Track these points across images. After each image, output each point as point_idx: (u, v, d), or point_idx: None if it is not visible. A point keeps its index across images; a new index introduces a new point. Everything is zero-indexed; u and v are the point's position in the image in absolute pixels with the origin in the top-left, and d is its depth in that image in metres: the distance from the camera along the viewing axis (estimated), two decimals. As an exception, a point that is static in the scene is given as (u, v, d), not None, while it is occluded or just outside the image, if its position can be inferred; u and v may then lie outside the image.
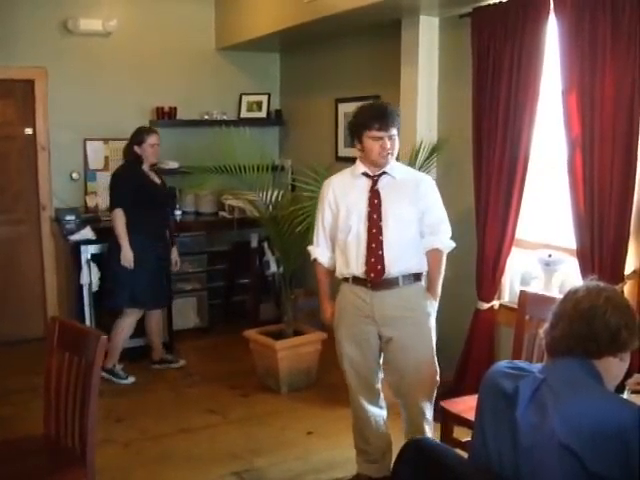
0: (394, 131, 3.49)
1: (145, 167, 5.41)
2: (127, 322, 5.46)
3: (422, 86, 5.01)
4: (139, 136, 5.38)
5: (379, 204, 3.51)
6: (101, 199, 6.44)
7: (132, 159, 5.39)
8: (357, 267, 3.55)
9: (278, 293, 6.14)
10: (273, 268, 6.45)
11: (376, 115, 3.48)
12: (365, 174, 3.58)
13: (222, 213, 6.70)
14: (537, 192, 4.45)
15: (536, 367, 2.21)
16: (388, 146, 3.46)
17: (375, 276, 3.51)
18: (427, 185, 3.64)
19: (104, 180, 6.45)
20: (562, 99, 3.90)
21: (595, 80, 3.68)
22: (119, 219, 5.24)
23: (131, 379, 5.44)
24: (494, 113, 4.36)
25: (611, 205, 3.66)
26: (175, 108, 6.62)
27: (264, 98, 7.04)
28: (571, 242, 4.00)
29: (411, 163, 4.83)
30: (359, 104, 3.70)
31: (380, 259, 3.50)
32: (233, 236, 6.68)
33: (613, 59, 3.59)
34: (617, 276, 3.65)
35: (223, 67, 6.92)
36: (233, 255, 6.81)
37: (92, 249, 5.67)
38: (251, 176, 5.31)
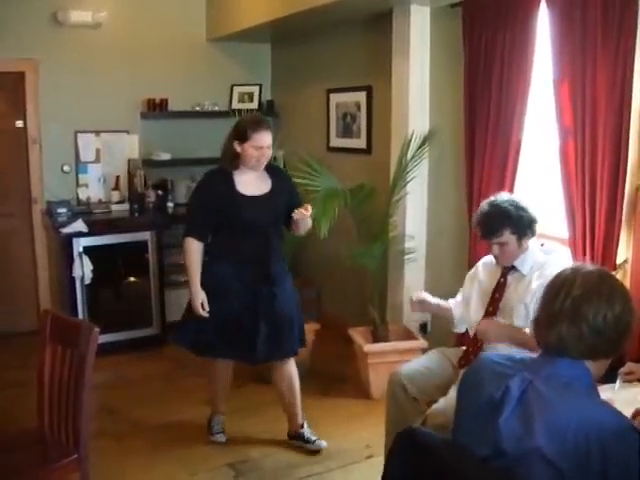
0: None
1: (245, 172, 4.01)
2: (211, 371, 4.41)
3: (414, 76, 5.00)
4: (242, 129, 3.94)
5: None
6: (92, 192, 6.43)
7: (227, 161, 4.01)
8: None
9: (271, 284, 6.10)
10: (266, 259, 6.42)
11: None
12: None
13: (214, 205, 6.68)
14: (529, 182, 4.45)
15: (526, 358, 2.14)
16: None
17: None
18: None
19: (95, 172, 6.46)
20: (554, 88, 3.90)
21: (587, 69, 3.67)
22: (188, 251, 3.99)
23: (220, 438, 4.42)
24: (486, 103, 4.36)
25: (602, 194, 3.67)
26: (166, 99, 6.58)
27: (255, 89, 7.02)
28: (563, 231, 4.00)
29: (403, 154, 4.84)
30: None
31: None
32: (226, 228, 6.66)
33: (604, 48, 3.58)
34: (609, 265, 3.65)
35: (214, 58, 6.89)
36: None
37: (84, 242, 5.67)
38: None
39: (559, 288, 2.03)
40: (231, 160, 3.97)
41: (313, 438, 4.28)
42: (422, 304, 3.82)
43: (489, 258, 3.74)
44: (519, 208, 3.42)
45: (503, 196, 3.57)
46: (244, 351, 4.03)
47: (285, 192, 4.10)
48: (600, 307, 1.97)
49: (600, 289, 2.00)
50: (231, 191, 3.95)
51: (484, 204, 3.53)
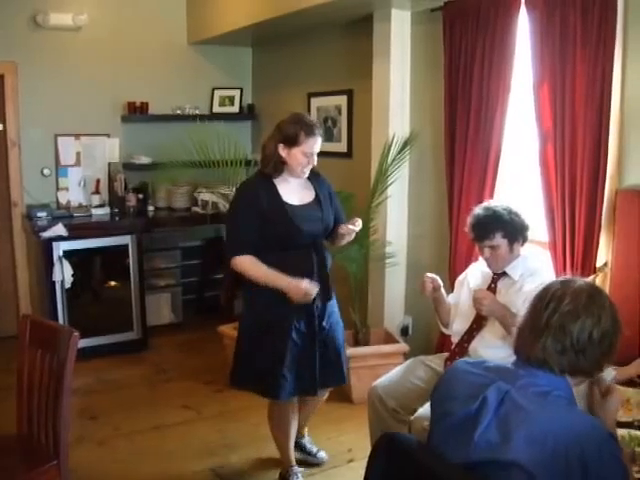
0: None
1: (286, 179, 3.54)
2: (277, 414, 3.84)
3: (394, 80, 5.01)
4: (291, 132, 3.43)
5: None
6: (73, 195, 6.40)
7: (269, 167, 3.51)
8: None
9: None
10: (247, 263, 6.39)
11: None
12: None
13: (195, 208, 6.67)
14: (509, 185, 4.48)
15: (500, 366, 2.12)
16: None
17: None
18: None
19: (76, 176, 6.42)
20: (533, 92, 3.92)
21: (566, 73, 3.70)
22: (246, 268, 3.48)
23: None
24: (466, 106, 4.38)
25: (582, 198, 3.69)
26: (147, 103, 6.56)
27: (236, 93, 7.02)
28: (543, 235, 4.02)
29: (383, 157, 4.85)
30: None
31: None
32: (206, 231, 6.67)
33: (584, 51, 3.61)
34: (589, 268, 3.68)
35: (195, 61, 6.88)
36: (206, 250, 6.80)
37: (64, 246, 5.63)
38: (224, 171, 5.30)
39: (548, 301, 2.02)
40: (275, 166, 3.49)
41: (314, 450, 4.15)
42: (435, 282, 3.69)
43: (479, 263, 3.76)
44: (512, 213, 3.47)
45: (497, 202, 3.63)
46: (305, 383, 3.61)
47: (328, 198, 3.70)
48: (586, 325, 1.96)
49: (589, 308, 1.98)
50: (277, 201, 3.48)
51: (478, 208, 3.56)
